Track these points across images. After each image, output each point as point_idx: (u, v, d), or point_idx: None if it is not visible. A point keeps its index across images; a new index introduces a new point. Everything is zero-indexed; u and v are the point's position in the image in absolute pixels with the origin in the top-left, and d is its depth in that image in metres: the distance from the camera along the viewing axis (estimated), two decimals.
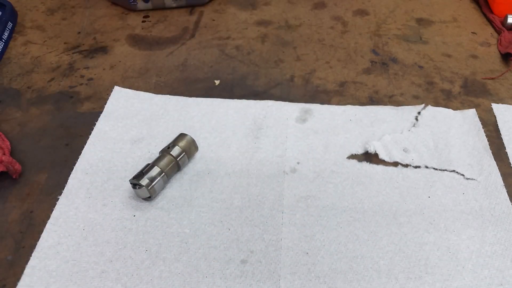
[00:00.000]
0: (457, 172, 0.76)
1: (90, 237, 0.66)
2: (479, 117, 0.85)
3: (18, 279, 0.61)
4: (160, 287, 0.61)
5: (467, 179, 0.75)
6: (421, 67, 0.99)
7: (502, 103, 0.89)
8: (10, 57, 1.00)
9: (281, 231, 0.67)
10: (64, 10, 1.16)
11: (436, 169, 0.76)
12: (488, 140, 0.81)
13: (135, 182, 0.68)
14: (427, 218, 0.69)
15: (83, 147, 0.79)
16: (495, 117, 0.86)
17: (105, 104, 0.87)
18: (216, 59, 1.01)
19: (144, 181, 0.68)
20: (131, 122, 0.84)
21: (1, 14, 1.05)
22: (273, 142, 0.80)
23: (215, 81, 0.95)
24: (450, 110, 0.87)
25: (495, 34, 1.08)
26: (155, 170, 0.70)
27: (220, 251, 0.65)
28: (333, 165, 0.77)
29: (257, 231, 0.67)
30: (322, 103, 0.89)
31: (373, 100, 0.90)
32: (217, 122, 0.84)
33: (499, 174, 0.75)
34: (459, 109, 0.88)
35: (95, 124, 0.83)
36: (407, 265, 0.64)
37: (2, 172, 0.72)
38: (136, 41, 1.06)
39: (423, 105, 0.88)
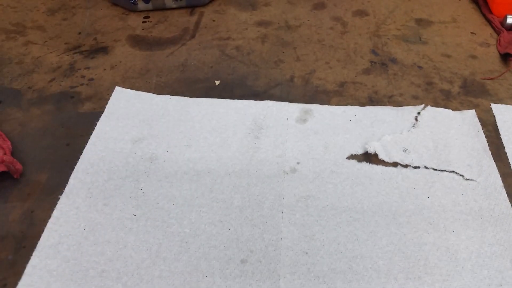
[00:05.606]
0: (456, 172, 0.76)
1: (91, 236, 0.66)
2: (478, 117, 0.85)
3: (19, 278, 0.61)
4: (161, 286, 0.61)
5: (467, 179, 0.75)
6: (420, 67, 0.99)
7: (501, 103, 0.89)
8: (11, 57, 1.00)
9: (281, 231, 0.67)
10: (64, 11, 1.16)
11: (436, 169, 0.76)
12: (487, 140, 0.81)
13: None
14: (426, 219, 0.69)
15: (84, 147, 0.79)
16: (494, 117, 0.86)
17: (106, 104, 0.87)
18: (216, 60, 1.01)
19: None
20: (132, 122, 0.84)
21: None
22: (273, 142, 0.81)
23: (215, 81, 0.95)
24: (450, 111, 0.87)
25: (495, 35, 1.08)
26: None
27: (220, 251, 0.65)
28: (333, 165, 0.77)
29: (257, 231, 0.67)
30: (322, 103, 0.89)
31: (373, 100, 0.90)
32: (218, 122, 0.84)
33: (499, 175, 0.75)
34: (459, 109, 0.88)
35: (96, 124, 0.83)
36: (406, 265, 0.64)
37: (3, 172, 0.72)
38: (136, 41, 1.06)
39: (422, 105, 0.88)
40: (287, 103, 0.89)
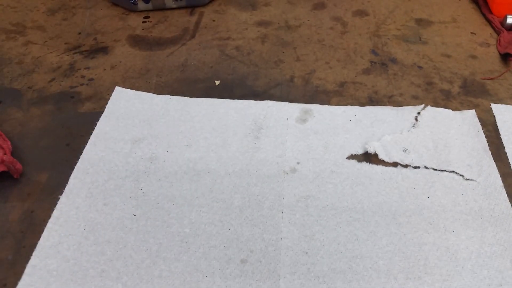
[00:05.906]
0: (456, 172, 0.76)
1: (91, 236, 0.66)
2: (478, 117, 0.85)
3: (18, 278, 0.61)
4: (160, 286, 0.61)
5: (467, 179, 0.75)
6: (420, 67, 0.99)
7: (501, 103, 0.89)
8: (11, 57, 1.00)
9: (281, 231, 0.67)
10: (64, 11, 1.16)
11: (436, 169, 0.77)
12: (487, 140, 0.81)
13: None
14: (426, 219, 0.69)
15: (84, 147, 0.79)
16: (494, 117, 0.86)
17: (106, 104, 0.87)
18: (216, 60, 1.01)
19: None
20: (132, 122, 0.84)
21: None
22: (273, 142, 0.81)
23: (215, 81, 0.95)
24: (450, 111, 0.87)
25: (495, 35, 1.08)
26: None
27: (220, 251, 0.65)
28: (333, 165, 0.77)
29: (257, 230, 0.67)
30: (321, 103, 0.89)
31: (373, 100, 0.90)
32: (218, 122, 0.84)
33: (498, 175, 0.75)
34: (458, 109, 0.88)
35: (96, 124, 0.83)
36: (406, 265, 0.64)
37: (3, 172, 0.72)
38: (136, 41, 1.06)
39: (422, 105, 0.88)
40: (287, 103, 0.89)
